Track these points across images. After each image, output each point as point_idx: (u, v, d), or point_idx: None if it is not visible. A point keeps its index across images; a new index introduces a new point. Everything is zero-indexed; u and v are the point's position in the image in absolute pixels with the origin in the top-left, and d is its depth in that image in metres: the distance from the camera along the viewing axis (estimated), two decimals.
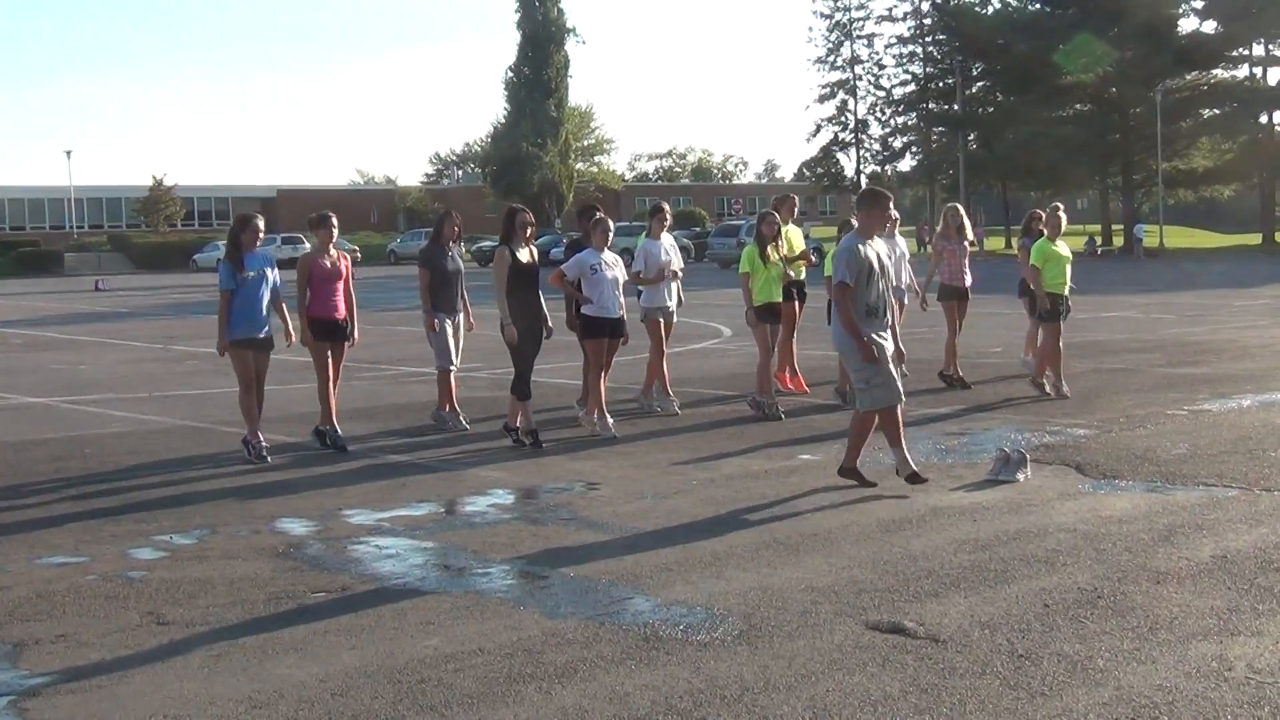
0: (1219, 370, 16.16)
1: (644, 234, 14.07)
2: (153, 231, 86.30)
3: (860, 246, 9.35)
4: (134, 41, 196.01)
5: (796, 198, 14.86)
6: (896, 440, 9.45)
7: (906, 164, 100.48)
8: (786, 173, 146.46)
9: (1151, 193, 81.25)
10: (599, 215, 12.59)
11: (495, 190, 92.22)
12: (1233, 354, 18.16)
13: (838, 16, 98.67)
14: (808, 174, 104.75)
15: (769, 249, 13.18)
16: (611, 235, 12.41)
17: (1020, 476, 9.56)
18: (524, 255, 11.70)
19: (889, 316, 9.54)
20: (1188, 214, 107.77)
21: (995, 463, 9.81)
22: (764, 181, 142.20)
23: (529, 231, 11.78)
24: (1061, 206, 14.80)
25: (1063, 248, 14.35)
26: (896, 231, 15.99)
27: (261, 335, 11.16)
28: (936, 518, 8.47)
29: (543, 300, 11.87)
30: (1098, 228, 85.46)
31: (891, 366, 9.42)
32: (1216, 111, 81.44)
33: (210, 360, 19.77)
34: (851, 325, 9.25)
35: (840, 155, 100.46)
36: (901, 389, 9.56)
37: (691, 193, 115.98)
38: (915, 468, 9.44)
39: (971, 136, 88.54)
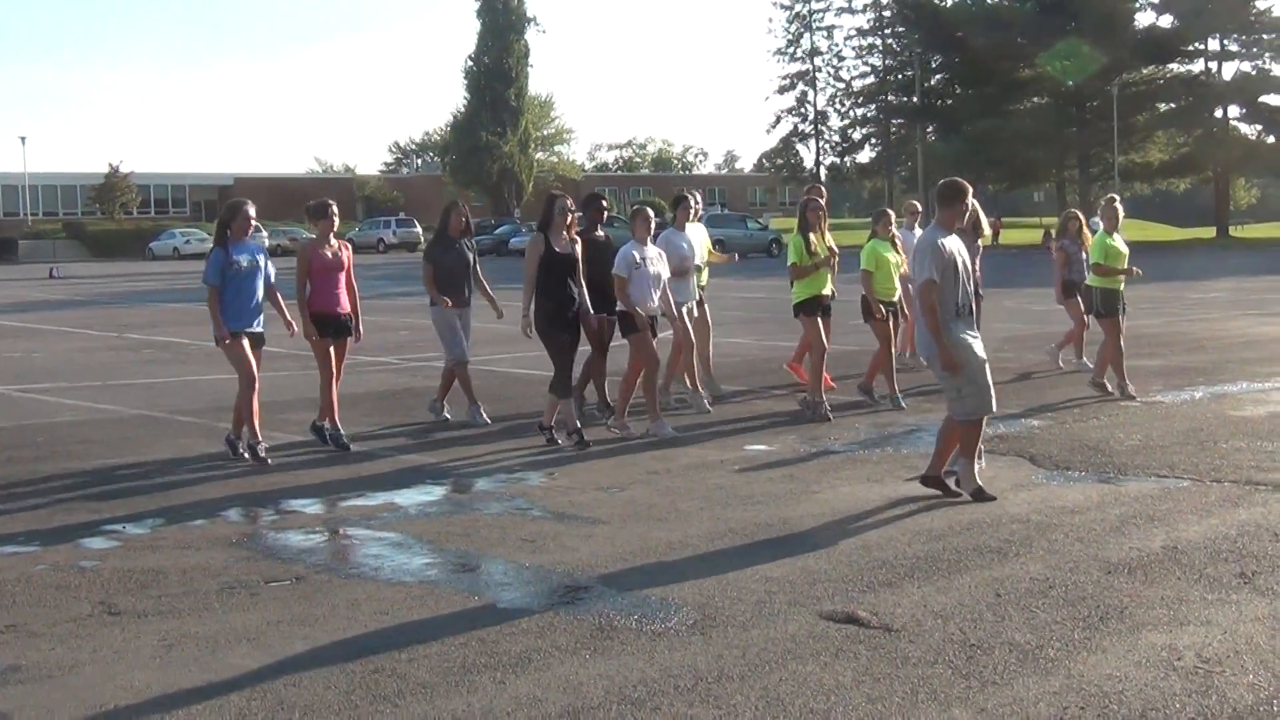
0: (1172, 362, 16.31)
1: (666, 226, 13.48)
2: (108, 219, 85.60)
3: (944, 240, 8.63)
4: (90, 27, 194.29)
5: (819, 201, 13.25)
6: (971, 450, 8.83)
7: (866, 155, 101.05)
8: (746, 164, 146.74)
9: (1108, 186, 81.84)
10: (638, 205, 12.21)
11: (454, 180, 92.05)
12: (1186, 346, 18.33)
13: (797, 8, 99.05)
14: (767, 165, 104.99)
15: (813, 237, 12.57)
16: (653, 225, 11.90)
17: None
18: (560, 245, 11.26)
19: (975, 318, 8.90)
20: (1144, 207, 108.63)
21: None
22: (724, 172, 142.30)
23: (569, 219, 11.35)
24: (1117, 198, 14.26)
25: (1120, 242, 13.61)
26: (917, 225, 15.80)
27: (254, 328, 10.58)
28: (891, 508, 8.51)
29: (581, 291, 11.37)
30: (1055, 219, 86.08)
31: (985, 370, 8.75)
32: (1172, 105, 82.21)
33: (166, 349, 19.65)
34: (936, 328, 8.59)
35: (800, 146, 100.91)
36: (994, 398, 8.88)
37: (652, 183, 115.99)
38: (981, 483, 8.84)
39: (930, 128, 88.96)
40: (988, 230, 15.45)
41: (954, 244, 8.73)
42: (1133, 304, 13.81)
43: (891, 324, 13.13)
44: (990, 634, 5.89)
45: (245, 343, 10.47)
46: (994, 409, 8.90)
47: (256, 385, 10.51)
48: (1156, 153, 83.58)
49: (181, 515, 8.65)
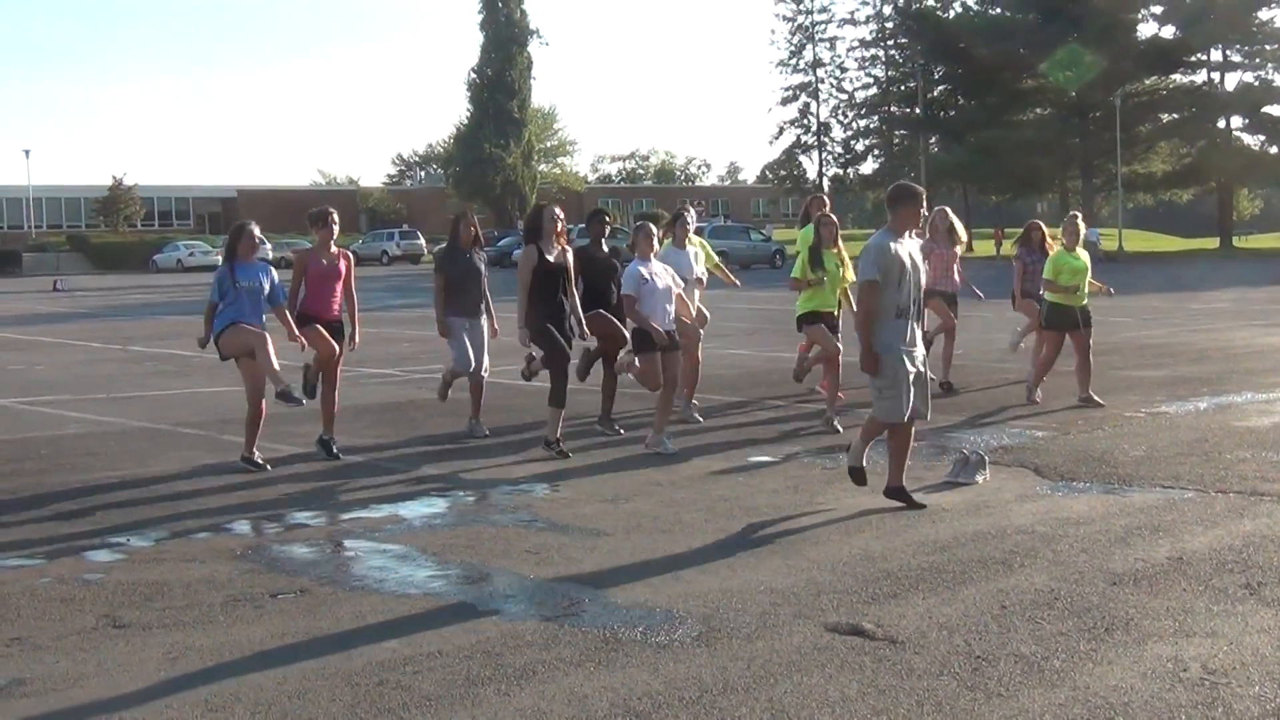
0: (1176, 373, 16.29)
1: (665, 242, 13.09)
2: (112, 232, 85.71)
3: (892, 244, 8.75)
4: (93, 39, 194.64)
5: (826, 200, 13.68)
6: (899, 461, 8.93)
7: (869, 166, 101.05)
8: (749, 175, 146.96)
9: (1111, 196, 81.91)
10: (641, 222, 11.99)
11: (458, 191, 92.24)
12: (1190, 357, 18.32)
13: (800, 19, 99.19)
14: (770, 176, 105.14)
15: (824, 253, 12.38)
16: (656, 241, 11.72)
17: (979, 478, 9.61)
18: (553, 255, 11.25)
19: (921, 323, 9.04)
20: (1147, 217, 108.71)
21: (954, 465, 9.85)
22: (727, 184, 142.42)
23: (559, 228, 11.29)
24: (1079, 215, 14.45)
25: (1082, 258, 13.82)
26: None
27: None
28: (895, 519, 8.50)
29: (574, 302, 11.42)
30: (1057, 231, 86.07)
31: (909, 382, 8.73)
32: (1175, 116, 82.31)
33: (170, 362, 19.67)
34: (865, 327, 8.74)
35: (803, 158, 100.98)
36: (914, 407, 8.80)
37: (655, 194, 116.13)
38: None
39: (934, 139, 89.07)
40: (963, 236, 15.39)
41: (904, 248, 8.83)
42: (1136, 315, 13.83)
43: None
44: (996, 646, 5.88)
45: (243, 334, 10.52)
46: (903, 418, 8.80)
47: (261, 389, 10.55)
48: (1160, 163, 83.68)
49: (186, 528, 8.64)
